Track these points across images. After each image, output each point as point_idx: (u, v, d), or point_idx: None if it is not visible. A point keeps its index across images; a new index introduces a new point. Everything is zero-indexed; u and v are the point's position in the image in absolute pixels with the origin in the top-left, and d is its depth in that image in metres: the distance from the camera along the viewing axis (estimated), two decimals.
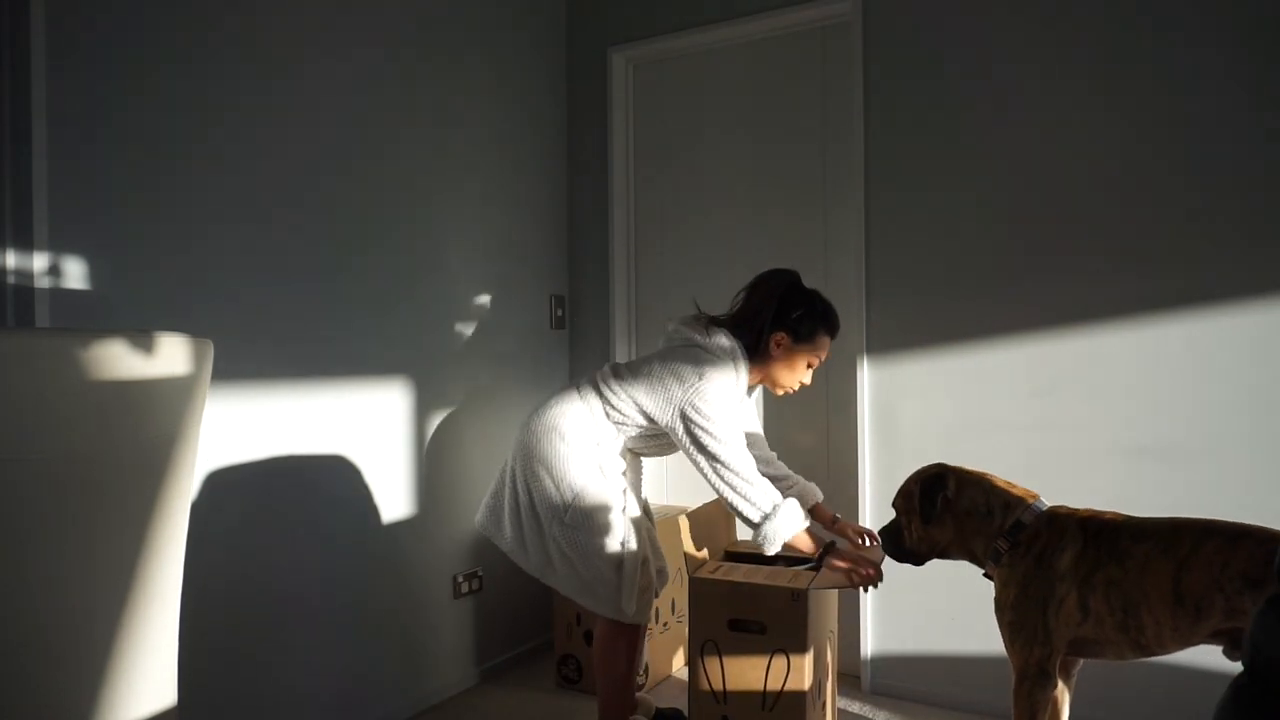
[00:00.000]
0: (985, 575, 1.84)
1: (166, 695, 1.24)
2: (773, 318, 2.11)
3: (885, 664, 2.64)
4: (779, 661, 1.94)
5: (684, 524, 2.16)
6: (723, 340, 2.10)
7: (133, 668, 1.17)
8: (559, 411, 2.13)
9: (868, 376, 2.68)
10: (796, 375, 2.17)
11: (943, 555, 1.87)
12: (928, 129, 2.60)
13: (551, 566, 2.12)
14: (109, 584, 1.13)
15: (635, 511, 2.13)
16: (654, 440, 2.17)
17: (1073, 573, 1.66)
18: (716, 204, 3.08)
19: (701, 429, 2.00)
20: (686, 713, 2.20)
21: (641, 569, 2.10)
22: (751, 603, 1.98)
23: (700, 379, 2.03)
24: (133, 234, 1.86)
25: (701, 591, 2.05)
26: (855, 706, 2.55)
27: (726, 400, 2.04)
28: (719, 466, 2.00)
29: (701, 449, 2.01)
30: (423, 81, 2.63)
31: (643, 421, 2.11)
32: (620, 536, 2.08)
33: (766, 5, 2.88)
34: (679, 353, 2.10)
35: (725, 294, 2.99)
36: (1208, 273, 2.24)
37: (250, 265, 2.11)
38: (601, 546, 2.06)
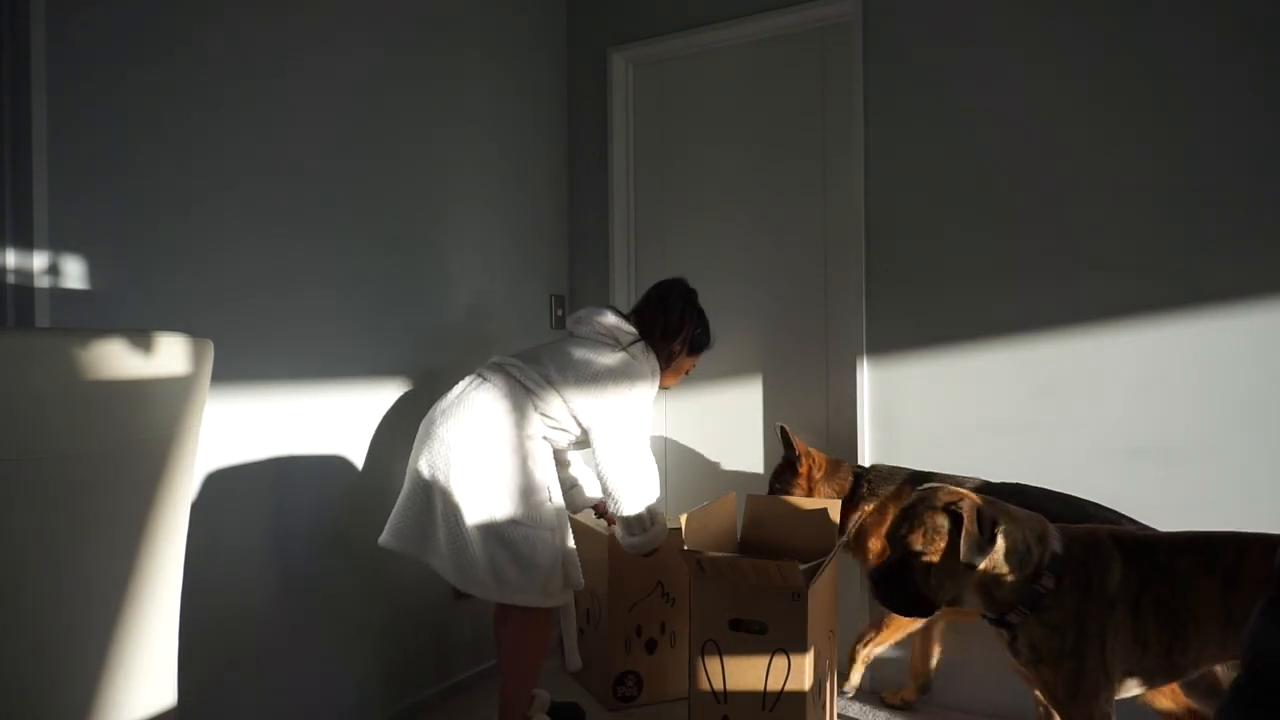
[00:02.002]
0: (1001, 622, 1.57)
1: (166, 696, 1.24)
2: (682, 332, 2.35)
3: (885, 664, 2.64)
4: (779, 661, 1.94)
5: (693, 521, 2.17)
6: (649, 355, 2.29)
7: (132, 668, 1.17)
8: (486, 412, 2.13)
9: (868, 376, 2.68)
10: (678, 378, 2.46)
11: (953, 602, 1.61)
12: (927, 128, 2.60)
13: (496, 575, 2.06)
14: (108, 584, 1.13)
15: (560, 498, 2.21)
16: (568, 434, 2.24)
17: (1121, 597, 1.49)
18: (716, 203, 3.08)
19: (624, 435, 2.19)
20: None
21: (568, 552, 2.19)
22: (752, 603, 1.98)
23: (632, 390, 2.22)
24: (133, 234, 1.86)
25: (702, 591, 2.05)
26: (855, 707, 2.55)
27: (648, 411, 2.29)
28: (636, 469, 2.19)
29: (620, 453, 2.18)
30: (422, 83, 2.63)
31: (568, 417, 2.19)
32: (555, 525, 2.15)
33: (766, 5, 2.88)
34: (612, 366, 2.22)
35: (725, 294, 3.00)
36: (1207, 273, 2.24)
37: (250, 265, 2.10)
38: (546, 539, 2.12)
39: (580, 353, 2.23)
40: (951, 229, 2.57)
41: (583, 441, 2.27)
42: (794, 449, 2.48)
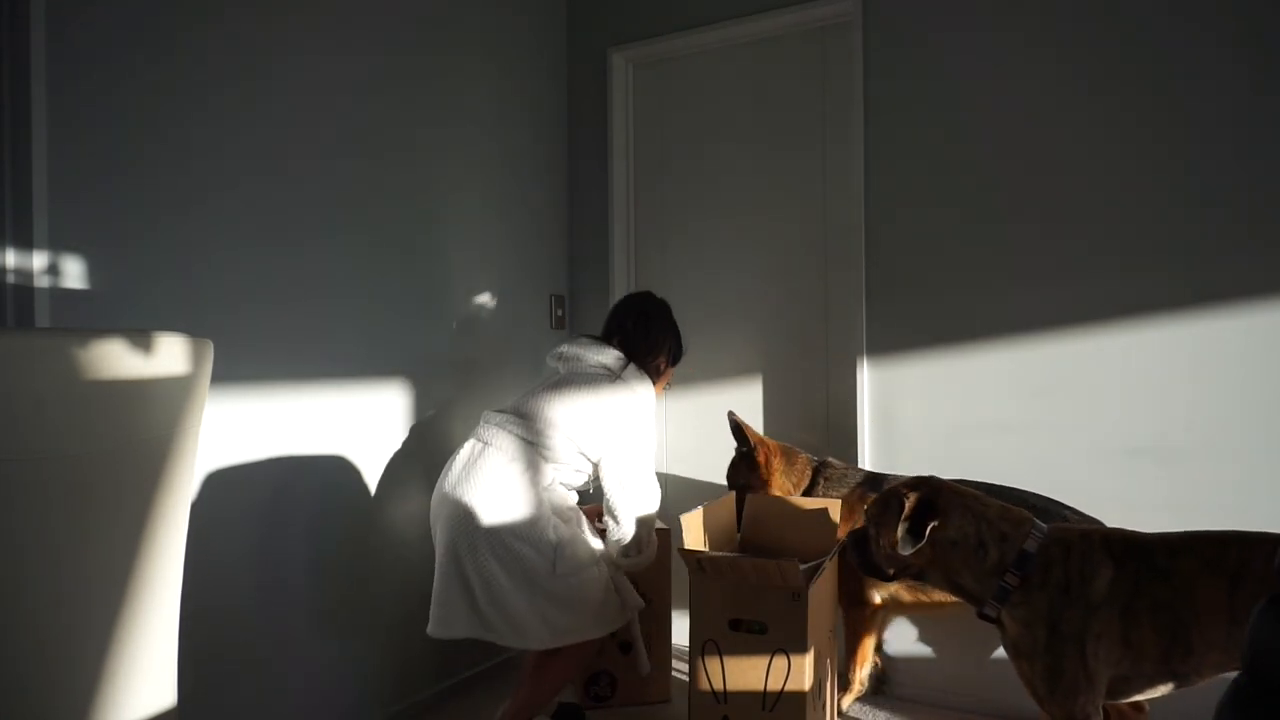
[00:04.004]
0: (983, 615, 1.65)
1: (166, 696, 1.24)
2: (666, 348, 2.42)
3: (885, 664, 2.64)
4: (779, 661, 1.94)
5: (694, 521, 2.17)
6: (642, 377, 2.31)
7: (132, 668, 1.17)
8: (499, 477, 2.12)
9: (868, 376, 2.68)
10: (661, 389, 2.47)
11: (916, 578, 1.75)
12: (927, 128, 2.60)
13: (549, 626, 2.09)
14: (108, 584, 1.13)
15: (591, 534, 2.22)
16: (583, 473, 2.26)
17: (1109, 601, 1.49)
18: (716, 203, 3.08)
19: (631, 463, 2.21)
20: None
21: (618, 579, 2.22)
22: (752, 602, 1.97)
23: (637, 418, 2.23)
24: (133, 234, 1.86)
25: (702, 591, 2.04)
26: (855, 707, 2.55)
27: (653, 434, 2.32)
28: (641, 495, 2.22)
29: (627, 480, 2.20)
30: (423, 83, 2.63)
31: (579, 457, 2.20)
32: (595, 559, 2.18)
33: (766, 5, 2.88)
34: (616, 400, 2.22)
35: (725, 294, 3.00)
36: (1207, 273, 2.24)
37: (250, 265, 2.10)
38: (591, 575, 2.15)
39: (579, 395, 2.21)
40: (952, 229, 2.57)
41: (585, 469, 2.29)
42: (748, 440, 2.50)
